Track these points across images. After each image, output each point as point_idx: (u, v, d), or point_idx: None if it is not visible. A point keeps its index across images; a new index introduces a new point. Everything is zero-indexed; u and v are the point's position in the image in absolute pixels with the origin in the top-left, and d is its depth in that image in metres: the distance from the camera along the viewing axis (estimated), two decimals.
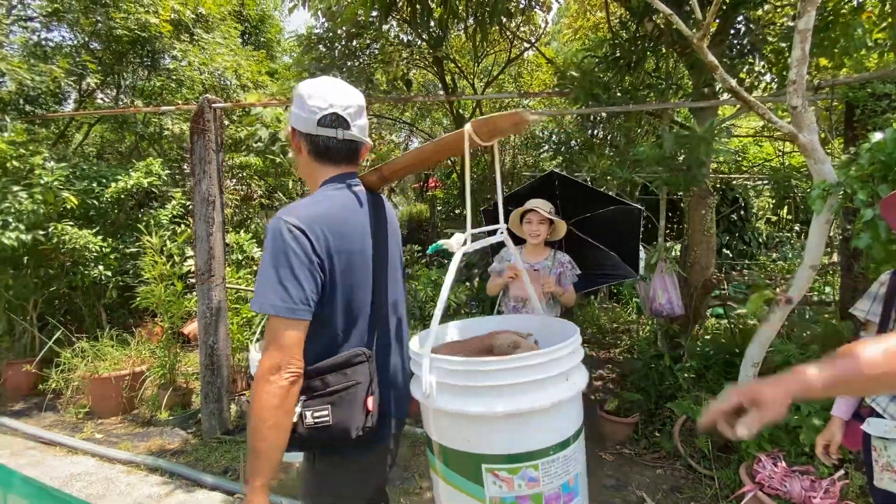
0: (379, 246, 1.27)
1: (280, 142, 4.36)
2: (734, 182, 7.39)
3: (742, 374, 2.61)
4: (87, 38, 4.87)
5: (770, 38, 3.63)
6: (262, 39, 7.96)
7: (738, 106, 3.35)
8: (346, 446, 1.17)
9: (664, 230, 3.61)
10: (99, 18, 4.53)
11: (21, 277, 4.14)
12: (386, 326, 1.30)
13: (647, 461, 2.99)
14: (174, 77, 5.14)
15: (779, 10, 3.89)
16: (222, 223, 3.35)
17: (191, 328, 4.62)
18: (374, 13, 4.50)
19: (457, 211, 7.36)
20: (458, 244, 1.24)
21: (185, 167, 5.66)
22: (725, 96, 3.37)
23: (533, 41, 6.50)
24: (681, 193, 3.98)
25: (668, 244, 4.22)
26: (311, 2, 4.76)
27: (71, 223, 4.01)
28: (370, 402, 1.16)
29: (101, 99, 5.76)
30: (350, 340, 1.18)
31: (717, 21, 3.50)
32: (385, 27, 5.19)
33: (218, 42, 5.33)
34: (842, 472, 2.11)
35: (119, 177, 4.23)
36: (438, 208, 9.26)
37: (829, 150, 2.68)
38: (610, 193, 3.33)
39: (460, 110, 7.08)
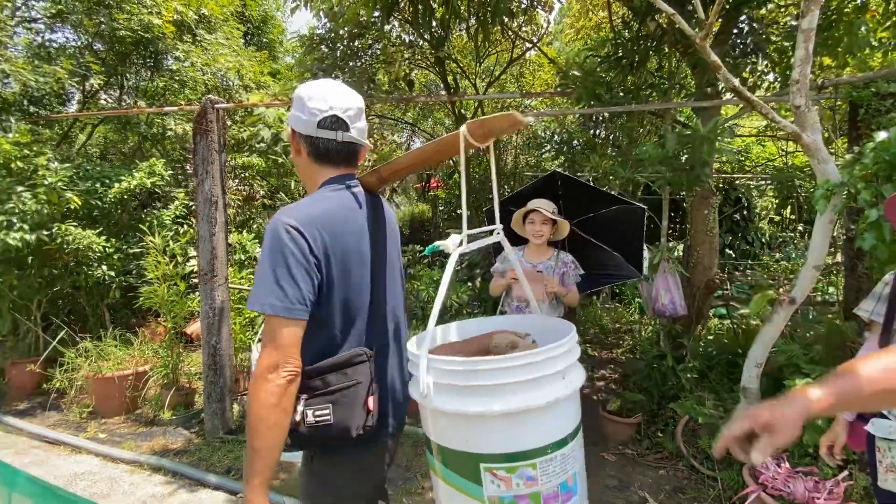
0: (377, 246, 1.28)
1: (282, 142, 4.37)
2: (737, 182, 7.37)
3: (745, 374, 2.60)
4: (90, 39, 4.89)
5: (773, 38, 3.62)
6: (264, 40, 7.97)
7: (741, 105, 3.34)
8: (346, 445, 1.18)
9: (667, 230, 3.60)
10: (102, 19, 4.55)
11: (25, 277, 4.16)
12: (384, 327, 1.31)
13: (649, 462, 2.98)
14: (177, 78, 5.16)
15: (782, 9, 3.88)
16: (225, 223, 3.36)
17: (194, 328, 4.64)
18: (376, 13, 4.50)
19: (458, 211, 7.35)
20: (455, 245, 1.24)
21: (188, 168, 5.68)
22: (728, 96, 3.36)
23: (535, 41, 6.49)
24: (683, 193, 3.97)
25: (670, 244, 4.21)
26: (314, 2, 4.77)
27: (74, 223, 4.03)
28: (371, 401, 1.16)
29: (105, 100, 5.78)
30: (348, 340, 1.19)
31: (720, 20, 3.49)
32: (387, 27, 5.19)
33: (220, 43, 5.34)
34: (846, 472, 2.10)
35: (122, 177, 4.25)
36: (440, 208, 9.26)
37: (832, 150, 2.68)
38: (613, 193, 3.33)
39: (462, 110, 7.08)
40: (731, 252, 7.26)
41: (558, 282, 2.56)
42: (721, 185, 7.13)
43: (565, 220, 2.66)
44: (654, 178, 3.51)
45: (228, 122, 4.86)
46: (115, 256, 4.28)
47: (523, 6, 5.30)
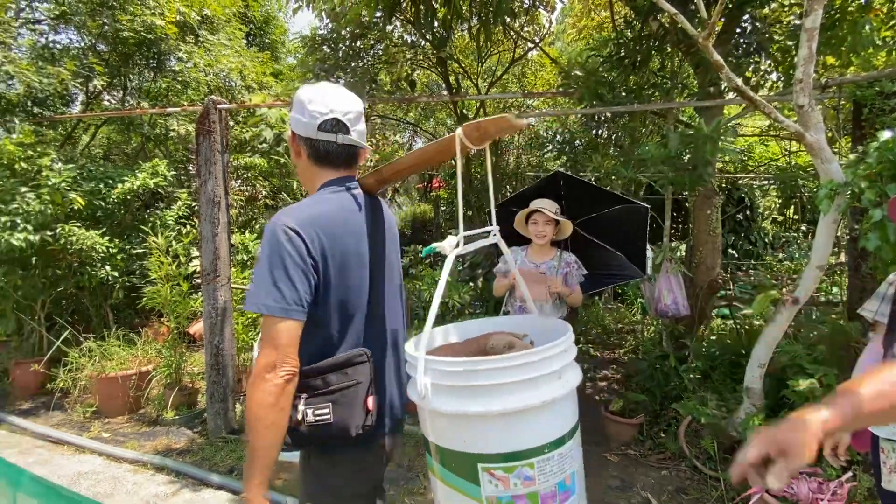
0: (376, 248, 1.29)
1: (284, 143, 4.38)
2: (740, 182, 7.35)
3: (748, 374, 2.59)
4: (93, 41, 4.91)
5: (776, 37, 3.61)
6: (266, 41, 7.99)
7: (744, 105, 3.33)
8: (345, 445, 1.19)
9: (669, 230, 3.59)
10: (105, 21, 4.57)
11: (29, 278, 4.18)
12: (383, 327, 1.32)
13: (652, 462, 2.98)
14: (180, 78, 5.17)
15: (785, 8, 3.86)
16: (227, 224, 3.37)
17: (196, 328, 4.65)
18: (378, 14, 4.51)
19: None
20: (451, 247, 1.24)
21: (191, 168, 5.69)
22: (731, 95, 3.35)
23: (537, 41, 6.48)
24: (686, 193, 3.96)
25: (673, 244, 4.20)
26: (316, 3, 4.78)
27: (78, 224, 4.05)
28: (370, 401, 1.18)
29: (108, 101, 5.80)
30: (346, 341, 1.20)
31: (723, 20, 3.48)
32: (389, 28, 5.20)
33: (223, 43, 5.35)
34: (849, 474, 2.10)
35: (125, 178, 4.26)
36: (442, 208, 9.27)
37: (836, 150, 2.67)
38: (616, 192, 3.32)
39: (464, 110, 7.08)
40: (733, 252, 7.24)
41: (562, 282, 2.56)
42: (724, 185, 7.10)
43: (568, 221, 2.66)
44: (657, 178, 3.50)
45: (231, 123, 4.87)
46: (119, 257, 4.30)
47: (525, 6, 5.29)
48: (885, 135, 1.93)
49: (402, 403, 1.38)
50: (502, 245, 1.43)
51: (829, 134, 2.87)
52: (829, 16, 3.27)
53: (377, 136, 8.70)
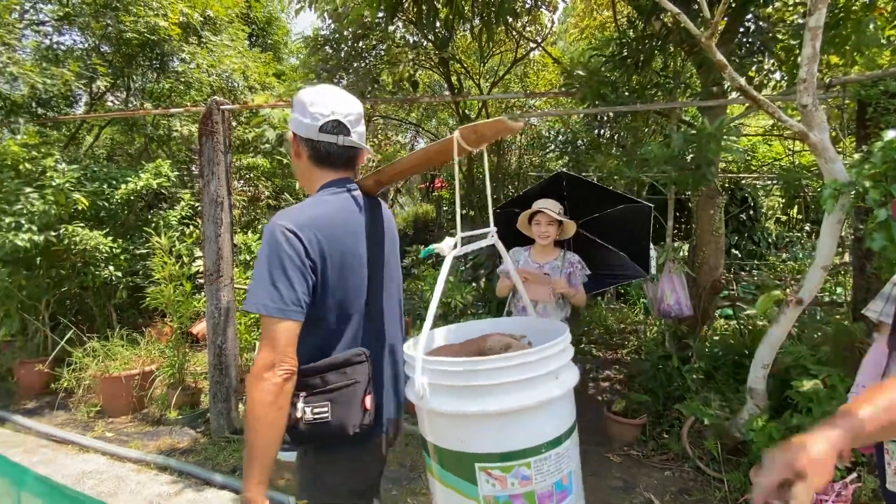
0: (375, 249, 1.31)
1: (287, 143, 4.38)
2: (743, 181, 7.32)
3: (752, 375, 2.58)
4: (97, 42, 4.93)
5: (780, 36, 3.59)
6: (269, 41, 8.01)
7: (747, 104, 3.32)
8: (342, 443, 1.20)
9: (672, 230, 3.58)
10: (109, 22, 4.58)
11: (34, 278, 4.20)
12: (381, 328, 1.34)
13: (655, 463, 2.97)
14: (183, 79, 5.19)
15: (789, 7, 3.85)
16: (230, 224, 3.38)
17: (199, 328, 4.66)
18: (380, 14, 4.51)
19: (462, 212, 7.37)
20: (450, 248, 1.26)
21: (194, 168, 5.71)
22: (734, 95, 3.34)
23: (539, 41, 6.48)
24: (689, 193, 3.95)
25: (676, 244, 4.18)
26: (318, 3, 4.78)
27: (82, 224, 4.06)
28: (368, 401, 1.19)
29: (112, 101, 5.82)
30: (343, 340, 1.22)
31: (726, 19, 3.47)
32: (391, 28, 5.20)
33: (226, 44, 5.37)
34: (854, 475, 2.09)
35: (129, 178, 4.28)
36: (444, 209, 9.27)
37: (840, 149, 2.65)
38: (619, 192, 3.31)
39: (466, 111, 7.08)
40: (737, 252, 7.21)
41: (565, 282, 2.55)
42: (727, 185, 7.08)
43: (571, 221, 2.66)
44: (659, 178, 3.49)
45: (234, 123, 4.88)
46: (122, 257, 4.31)
47: (527, 6, 5.29)
48: (890, 134, 1.92)
49: (400, 403, 1.39)
50: (500, 246, 1.44)
51: (833, 133, 2.85)
52: (832, 14, 3.25)
53: (379, 136, 8.71)
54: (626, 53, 3.90)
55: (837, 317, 3.40)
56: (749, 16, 3.60)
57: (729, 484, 2.58)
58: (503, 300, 2.89)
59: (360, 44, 5.23)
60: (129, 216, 4.73)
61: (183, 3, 4.88)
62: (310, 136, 1.24)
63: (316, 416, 1.13)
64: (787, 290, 3.39)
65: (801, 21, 3.59)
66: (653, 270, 3.32)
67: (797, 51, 3.37)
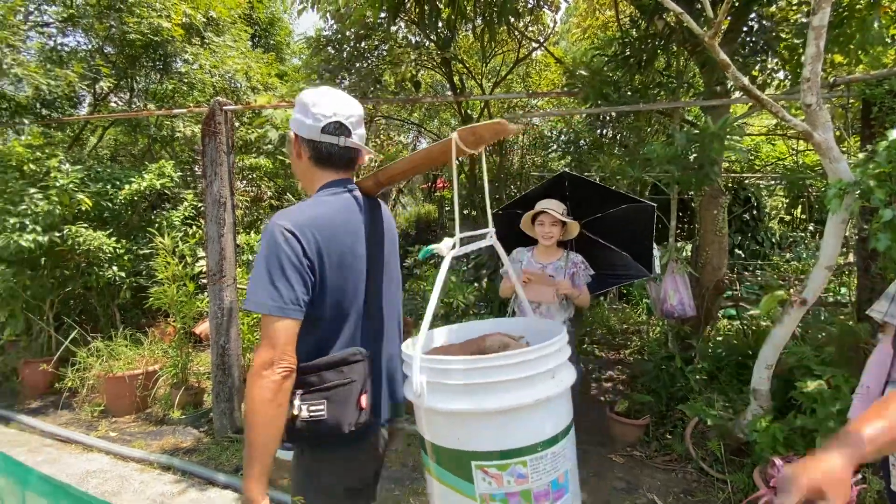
0: (374, 249, 1.32)
1: (288, 143, 4.39)
2: (746, 181, 7.29)
3: (755, 375, 2.57)
4: (101, 43, 4.95)
5: (783, 35, 3.58)
6: (271, 42, 8.02)
7: (751, 104, 3.31)
8: (338, 441, 1.21)
9: (675, 230, 3.57)
10: (113, 23, 4.60)
11: (38, 278, 4.22)
12: (379, 327, 1.35)
13: (658, 464, 2.96)
14: (186, 80, 5.21)
15: (793, 6, 3.83)
16: (233, 224, 3.38)
17: (202, 328, 4.68)
18: (383, 15, 4.51)
19: (465, 212, 7.37)
20: (448, 248, 1.27)
21: (197, 169, 5.73)
22: (738, 94, 3.32)
23: (541, 41, 6.47)
24: (692, 193, 3.93)
25: (679, 244, 4.17)
26: (320, 4, 4.79)
27: (86, 225, 4.08)
28: (363, 399, 1.20)
29: (115, 102, 5.85)
30: (341, 339, 1.23)
31: (729, 18, 3.46)
32: (393, 28, 5.20)
33: (228, 45, 5.38)
34: (859, 476, 2.07)
35: (132, 179, 4.30)
36: (446, 209, 9.26)
37: (844, 149, 2.64)
38: (621, 192, 3.31)
39: (468, 111, 7.08)
40: (740, 252, 7.18)
41: (569, 283, 2.55)
42: (730, 185, 7.05)
43: (575, 221, 2.65)
44: (662, 178, 3.48)
45: (236, 124, 4.90)
46: (126, 257, 4.33)
47: (529, 6, 5.28)
48: (895, 133, 1.91)
49: (398, 403, 1.40)
50: (499, 248, 1.45)
51: (838, 133, 2.84)
52: (837, 13, 3.24)
53: (381, 136, 8.71)
54: (628, 53, 3.89)
55: (842, 317, 3.38)
56: (752, 15, 3.59)
57: (732, 485, 2.57)
58: (505, 300, 2.89)
59: (363, 44, 5.23)
60: (133, 217, 4.74)
61: (186, 4, 4.89)
62: (312, 136, 1.26)
63: (312, 414, 1.14)
64: (791, 291, 3.37)
65: (804, 20, 3.57)
66: (656, 270, 3.31)
67: (801, 50, 3.36)
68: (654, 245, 3.18)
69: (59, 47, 4.80)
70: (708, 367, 3.17)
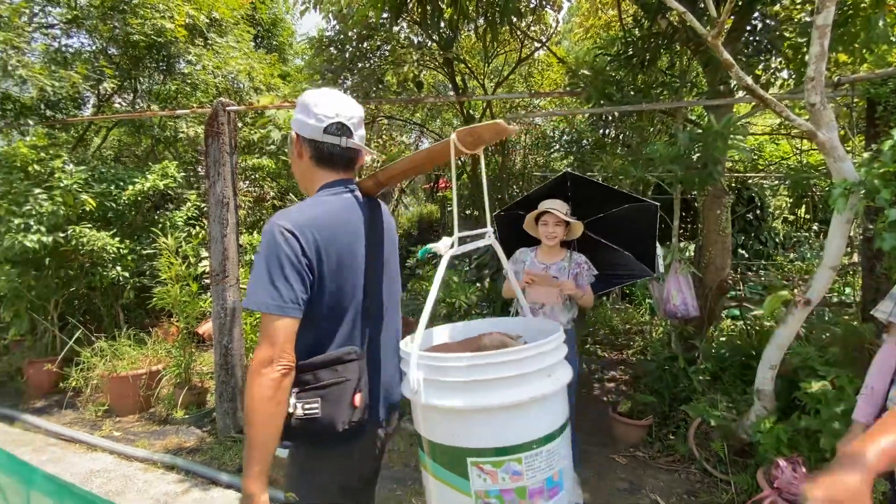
0: (373, 248, 1.33)
1: (290, 143, 4.40)
2: (750, 181, 7.26)
3: (759, 376, 2.56)
4: (104, 44, 4.97)
5: (787, 34, 3.56)
6: (274, 43, 8.04)
7: (755, 103, 3.29)
8: (332, 439, 1.22)
9: (678, 230, 3.56)
10: (116, 24, 4.62)
11: (42, 278, 4.24)
12: (378, 326, 1.36)
13: (661, 464, 2.95)
14: (189, 81, 5.22)
15: (797, 5, 3.81)
16: (236, 224, 3.39)
17: (205, 328, 4.69)
18: (385, 15, 4.52)
19: (467, 212, 7.37)
20: (446, 248, 1.28)
21: (200, 169, 5.74)
22: (741, 94, 3.31)
23: (544, 40, 6.46)
24: (695, 193, 3.92)
25: (682, 244, 4.16)
26: (323, 5, 4.80)
27: (89, 225, 4.10)
28: (357, 398, 1.21)
29: (119, 103, 5.87)
30: (337, 338, 1.24)
31: (733, 18, 3.44)
32: (395, 29, 5.21)
33: (231, 46, 5.40)
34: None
35: (136, 179, 4.31)
36: (449, 209, 9.26)
37: (849, 148, 2.62)
38: (625, 191, 3.30)
39: (471, 111, 7.07)
40: (744, 252, 7.15)
41: (573, 284, 2.54)
42: (734, 185, 7.02)
43: (578, 221, 2.64)
44: (665, 178, 3.47)
45: (239, 125, 4.91)
46: (129, 257, 4.35)
47: (532, 6, 5.28)
48: None
49: (396, 402, 1.42)
50: (497, 247, 1.45)
51: (842, 132, 2.83)
52: (841, 12, 3.21)
53: (384, 136, 8.72)
54: (631, 52, 3.88)
55: (846, 318, 3.36)
56: (756, 14, 3.57)
57: (736, 486, 2.56)
58: (508, 301, 2.88)
59: (365, 44, 5.24)
60: (136, 217, 4.76)
61: (189, 6, 4.91)
62: (314, 136, 1.27)
63: (307, 412, 1.15)
64: (795, 291, 3.35)
65: (808, 19, 3.56)
66: (660, 269, 3.30)
67: (805, 49, 3.34)
68: (658, 244, 3.17)
69: (63, 49, 4.82)
70: (711, 367, 3.16)
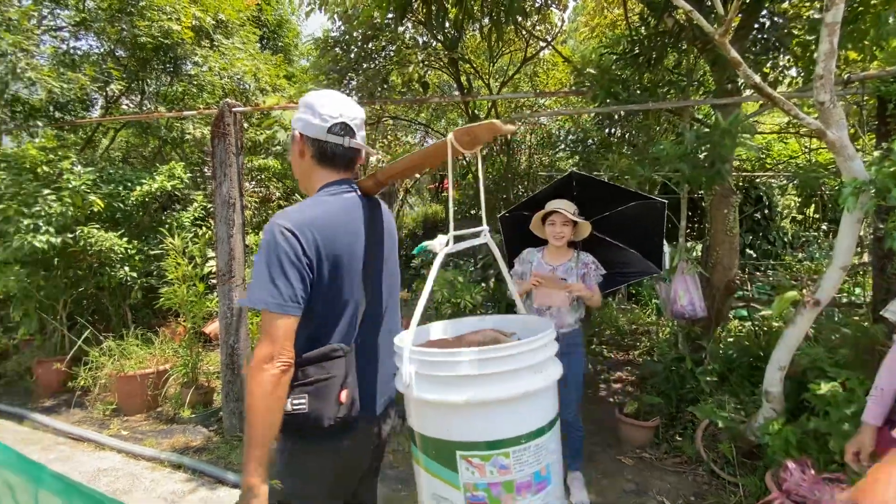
0: (374, 248, 1.36)
1: (294, 143, 4.42)
2: (758, 180, 7.20)
3: (767, 377, 2.53)
4: (112, 46, 5.01)
5: (796, 32, 3.52)
6: (279, 44, 8.07)
7: (762, 102, 3.26)
8: (320, 434, 1.24)
9: (685, 230, 3.53)
10: (124, 27, 4.66)
11: (51, 279, 4.29)
12: (377, 325, 1.38)
13: (668, 466, 2.93)
14: (195, 82, 5.26)
15: (805, 2, 3.77)
16: (242, 225, 3.41)
17: (212, 328, 4.72)
18: (390, 15, 4.52)
19: (472, 211, 7.36)
20: (441, 246, 1.30)
21: (207, 170, 5.78)
22: (749, 92, 3.28)
23: (549, 40, 6.44)
24: (702, 192, 3.89)
25: (689, 244, 4.13)
26: (328, 5, 4.81)
27: (97, 226, 4.14)
28: (343, 395, 1.23)
29: (126, 105, 5.92)
30: (334, 336, 1.26)
31: (740, 15, 3.41)
32: (400, 29, 5.21)
33: (237, 47, 5.43)
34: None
35: (143, 180, 4.35)
36: (454, 209, 9.24)
37: (859, 147, 2.59)
38: (631, 189, 3.27)
39: (476, 111, 7.06)
40: (751, 252, 7.09)
41: (582, 285, 2.52)
42: (741, 184, 6.96)
43: (586, 222, 2.62)
44: (672, 177, 3.45)
45: (245, 126, 4.93)
46: (137, 258, 4.38)
47: (537, 5, 5.26)
48: None
49: (393, 399, 1.44)
50: (493, 246, 1.46)
51: (852, 130, 2.79)
52: (851, 9, 3.17)
53: (389, 136, 8.73)
54: (637, 51, 3.86)
55: (856, 318, 3.32)
56: (764, 11, 3.54)
57: (744, 488, 2.54)
58: (513, 301, 2.86)
59: (370, 45, 5.25)
60: (144, 218, 4.80)
61: (195, 7, 4.94)
62: (318, 136, 1.29)
63: (294, 408, 1.18)
64: (804, 291, 3.32)
65: (817, 16, 3.52)
66: (666, 265, 3.27)
67: (813, 46, 3.30)
68: (665, 242, 3.15)
69: (71, 51, 4.87)
70: (719, 368, 3.13)
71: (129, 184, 4.36)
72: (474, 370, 1.16)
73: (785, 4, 3.68)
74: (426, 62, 6.06)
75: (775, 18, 3.56)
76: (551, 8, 5.61)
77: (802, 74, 3.75)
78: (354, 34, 5.10)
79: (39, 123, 4.42)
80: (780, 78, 3.95)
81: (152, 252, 4.51)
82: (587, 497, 2.57)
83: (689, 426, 3.11)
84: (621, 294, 6.69)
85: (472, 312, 4.01)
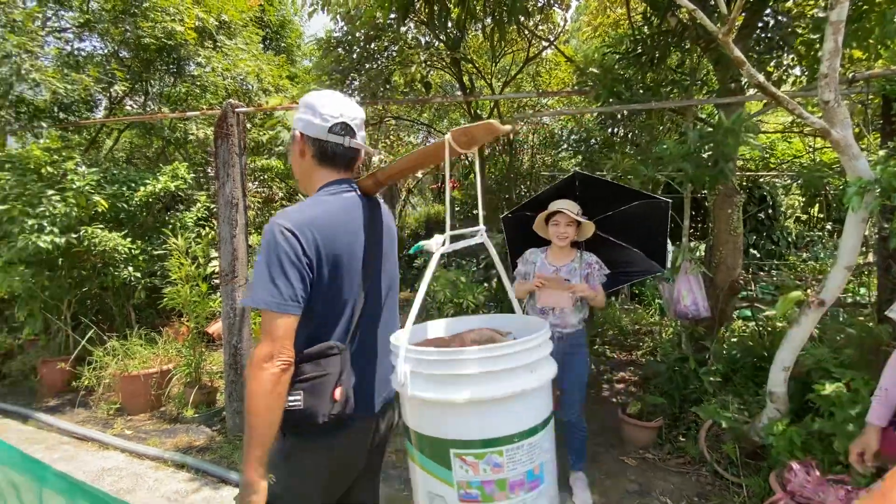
0: (373, 248, 1.36)
1: (295, 143, 4.43)
2: (762, 179, 7.17)
3: (772, 378, 2.52)
4: (116, 47, 5.04)
5: (800, 31, 3.50)
6: (282, 44, 8.10)
7: (766, 101, 3.25)
8: (315, 431, 1.25)
9: (688, 229, 3.52)
10: (128, 28, 4.68)
11: (56, 279, 4.31)
12: (375, 324, 1.39)
13: (671, 467, 2.92)
14: (198, 83, 5.28)
15: (809, 1, 3.75)
16: (245, 225, 3.42)
17: (215, 328, 4.73)
18: (392, 15, 4.53)
19: (475, 212, 7.35)
20: (438, 245, 1.31)
21: (210, 171, 5.80)
22: (752, 91, 3.27)
23: (551, 39, 6.43)
24: (705, 191, 3.88)
25: (692, 244, 4.11)
26: (331, 6, 4.82)
27: (101, 226, 4.15)
28: (338, 392, 1.23)
29: (130, 106, 5.95)
30: (334, 336, 1.27)
31: (744, 14, 3.40)
32: (403, 29, 5.21)
33: (240, 48, 5.44)
34: (879, 481, 2.02)
35: (147, 181, 4.37)
36: (456, 209, 9.25)
37: (863, 146, 2.57)
38: (634, 189, 3.26)
39: (478, 111, 7.06)
40: (755, 252, 7.06)
41: (586, 286, 2.52)
42: (745, 183, 6.94)
43: (590, 222, 2.62)
44: (675, 177, 3.44)
45: (248, 126, 4.94)
46: (141, 258, 4.40)
47: (539, 5, 5.26)
48: None
49: (391, 397, 1.45)
50: (489, 246, 1.46)
51: (857, 130, 2.77)
52: (855, 7, 3.16)
53: (391, 137, 8.74)
54: (640, 50, 3.85)
55: (861, 318, 3.30)
56: (767, 10, 3.52)
57: (748, 489, 2.53)
58: (519, 302, 2.86)
59: (373, 45, 5.25)
60: (148, 218, 4.82)
61: (198, 8, 4.96)
62: (319, 136, 1.31)
63: (290, 405, 1.19)
64: (809, 291, 3.30)
65: (821, 15, 3.50)
66: (669, 264, 3.26)
67: (818, 45, 3.28)
68: (668, 241, 3.14)
69: (75, 52, 4.89)
70: (722, 368, 3.12)
71: (133, 184, 4.38)
72: (468, 369, 1.17)
73: (789, 3, 3.66)
74: (428, 62, 6.05)
75: (779, 17, 3.55)
76: (554, 7, 5.60)
77: (806, 73, 3.73)
78: (357, 34, 5.11)
79: (44, 124, 4.44)
80: (784, 77, 3.93)
81: (156, 252, 4.53)
82: (590, 497, 2.57)
83: (693, 427, 3.10)
84: (624, 294, 6.68)
85: (474, 312, 4.00)
